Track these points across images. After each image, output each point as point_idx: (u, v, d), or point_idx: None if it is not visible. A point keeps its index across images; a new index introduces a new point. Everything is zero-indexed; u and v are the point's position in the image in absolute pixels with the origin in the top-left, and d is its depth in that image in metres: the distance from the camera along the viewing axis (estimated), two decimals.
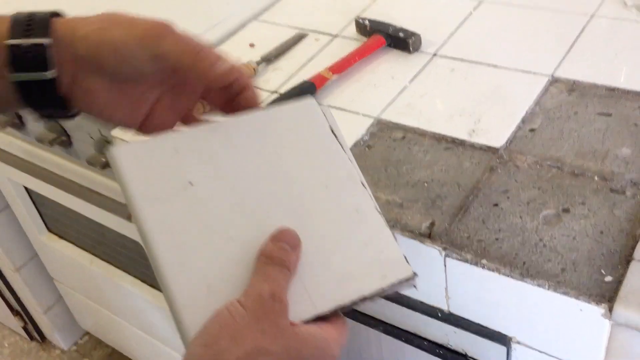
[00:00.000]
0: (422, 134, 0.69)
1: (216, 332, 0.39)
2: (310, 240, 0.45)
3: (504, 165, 0.64)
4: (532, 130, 0.67)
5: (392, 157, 0.67)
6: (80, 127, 0.91)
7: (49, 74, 0.45)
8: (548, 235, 0.56)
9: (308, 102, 0.52)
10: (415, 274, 0.47)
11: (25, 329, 1.61)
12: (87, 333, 1.64)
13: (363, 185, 0.50)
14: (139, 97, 0.48)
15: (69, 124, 0.94)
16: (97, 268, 1.23)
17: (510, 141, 0.66)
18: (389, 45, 0.83)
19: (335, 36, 0.88)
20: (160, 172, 0.45)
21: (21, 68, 0.44)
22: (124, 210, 0.91)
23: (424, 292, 0.62)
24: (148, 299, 1.15)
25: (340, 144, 0.51)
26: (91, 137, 0.90)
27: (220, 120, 0.50)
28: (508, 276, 0.54)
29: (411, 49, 0.81)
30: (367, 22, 0.85)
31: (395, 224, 0.59)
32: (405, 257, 0.47)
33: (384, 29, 0.83)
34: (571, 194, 0.59)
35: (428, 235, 0.58)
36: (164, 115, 0.50)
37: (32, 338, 1.65)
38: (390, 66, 0.80)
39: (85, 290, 1.39)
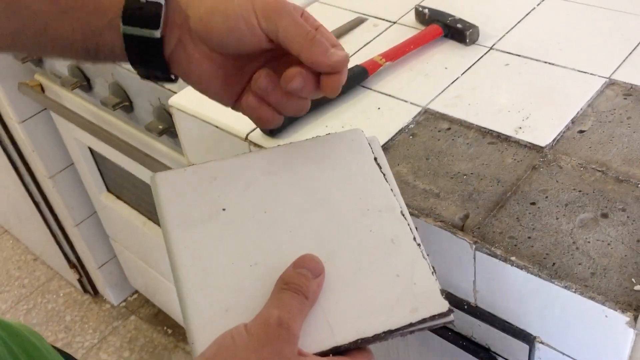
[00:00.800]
0: (468, 126, 0.69)
1: (214, 353, 0.38)
2: (338, 269, 0.43)
3: (547, 164, 0.63)
4: (581, 131, 0.66)
5: (434, 147, 0.68)
6: (141, 93, 0.95)
7: (157, 33, 0.45)
8: (582, 238, 0.55)
9: (354, 131, 0.52)
10: (451, 310, 0.43)
11: (80, 281, 1.70)
12: (137, 291, 1.72)
13: (403, 215, 0.48)
14: (237, 73, 0.49)
15: (131, 91, 0.98)
16: (149, 230, 1.29)
17: (557, 141, 0.65)
18: (446, 35, 0.83)
19: (394, 23, 0.89)
20: (195, 199, 0.47)
21: (133, 22, 0.45)
22: None
23: (453, 283, 0.63)
24: None
25: (384, 174, 0.50)
26: (151, 105, 0.95)
27: (265, 149, 0.50)
28: (536, 275, 0.54)
29: (468, 40, 0.81)
30: (426, 11, 0.85)
31: (429, 214, 0.60)
32: (442, 292, 0.44)
33: (442, 19, 0.83)
34: (612, 200, 0.58)
35: (460, 227, 0.58)
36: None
37: (85, 291, 1.74)
38: (444, 57, 0.80)
39: (137, 250, 1.46)
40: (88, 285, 1.70)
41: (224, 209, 0.46)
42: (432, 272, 0.45)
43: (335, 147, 0.51)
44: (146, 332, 1.63)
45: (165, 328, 1.63)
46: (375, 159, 0.50)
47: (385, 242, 0.46)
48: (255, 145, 0.73)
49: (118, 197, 1.36)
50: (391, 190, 0.49)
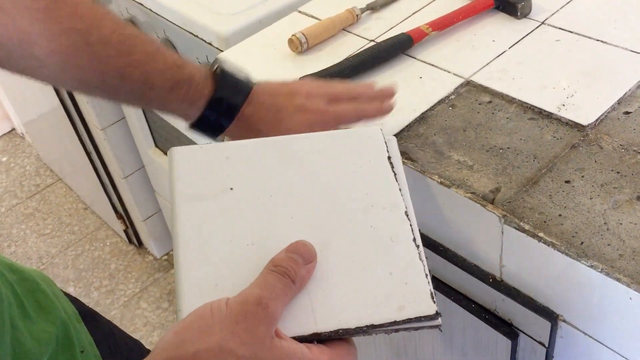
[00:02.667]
0: (509, 100, 0.68)
1: (189, 322, 0.38)
2: (332, 259, 0.44)
3: (588, 144, 0.62)
4: (626, 113, 0.64)
5: (473, 120, 0.67)
6: (189, 52, 0.97)
7: (225, 126, 0.60)
8: (615, 220, 0.54)
9: (372, 130, 0.52)
10: (438, 314, 0.42)
11: (125, 232, 1.77)
12: None
13: (407, 215, 0.48)
14: None
15: (179, 48, 1.00)
16: None
17: (600, 121, 0.64)
18: (497, 7, 0.81)
19: None
20: (206, 175, 0.48)
21: (199, 129, 0.60)
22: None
23: (479, 256, 0.63)
24: None
25: (395, 174, 0.50)
26: (199, 62, 0.96)
27: (282, 136, 0.51)
28: (563, 253, 0.53)
29: (519, 14, 0.79)
30: None
31: (461, 185, 0.60)
32: (432, 295, 0.43)
33: None
34: None
35: (491, 201, 0.58)
36: None
37: (130, 242, 1.81)
38: (493, 29, 0.79)
39: None
40: (133, 237, 1.77)
41: (231, 188, 0.48)
42: (426, 275, 0.44)
43: (351, 142, 0.52)
44: None
45: None
46: (389, 157, 0.51)
47: (384, 239, 0.46)
48: None
49: (165, 153, 1.40)
50: (399, 190, 0.49)
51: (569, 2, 0.80)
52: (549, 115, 0.66)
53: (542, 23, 0.78)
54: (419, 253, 0.45)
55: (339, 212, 0.47)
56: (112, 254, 1.82)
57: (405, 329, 0.42)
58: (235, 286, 0.41)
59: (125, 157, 1.51)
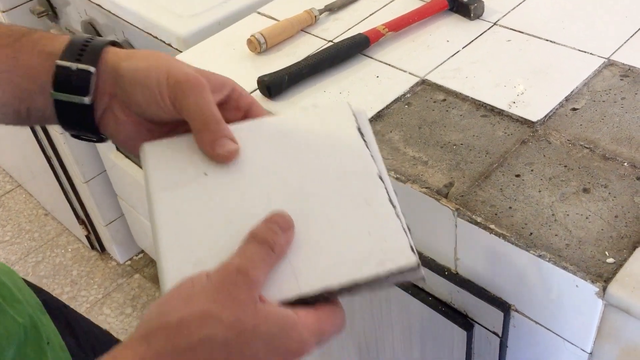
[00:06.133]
0: (463, 99, 0.70)
1: (171, 295, 0.39)
2: (310, 226, 0.45)
3: (537, 140, 0.64)
4: (574, 109, 0.67)
5: (428, 117, 0.69)
6: (150, 48, 0.97)
7: (87, 100, 0.48)
8: (562, 211, 0.56)
9: (340, 104, 0.53)
10: (419, 264, 0.43)
11: (87, 238, 1.74)
12: (142, 251, 1.75)
13: (380, 178, 0.49)
14: (159, 134, 0.51)
15: (137, 46, 1.00)
16: None
17: (549, 117, 0.66)
18: (451, 9, 0.83)
19: None
20: (179, 165, 0.48)
21: (63, 89, 0.47)
22: None
23: (435, 250, 0.64)
24: None
25: (365, 142, 0.51)
26: None
27: (251, 121, 0.52)
28: (513, 244, 0.55)
29: (472, 15, 0.81)
30: None
31: (416, 180, 0.61)
32: (412, 247, 0.44)
33: None
34: (596, 176, 0.59)
35: (445, 195, 0.60)
36: None
37: (92, 247, 1.78)
38: (447, 30, 0.81)
39: (144, 210, 1.49)
40: (95, 242, 1.74)
41: (205, 174, 0.48)
42: (405, 230, 0.46)
43: (320, 118, 0.53)
44: (149, 290, 1.67)
45: None
46: (359, 128, 0.52)
47: (360, 202, 0.47)
48: None
49: (127, 157, 1.39)
50: (371, 156, 0.50)
51: (519, 4, 0.83)
52: (500, 112, 0.68)
53: (494, 24, 0.80)
54: (396, 211, 0.46)
55: (314, 182, 0.48)
56: (74, 260, 1.79)
57: (389, 284, 0.43)
58: (216, 263, 0.42)
59: (86, 161, 1.49)
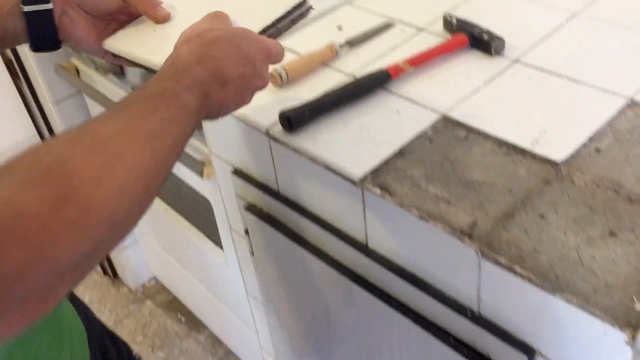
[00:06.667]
0: (485, 136, 0.70)
1: (194, 27, 0.61)
2: None
3: (560, 179, 0.63)
4: (597, 150, 0.66)
5: (450, 155, 0.68)
6: None
7: (50, 5, 0.64)
8: (588, 254, 0.56)
9: None
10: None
11: (100, 263, 1.74)
12: (154, 277, 1.75)
13: None
14: (105, 29, 0.70)
15: None
16: (170, 217, 1.32)
17: (573, 157, 0.66)
18: (472, 45, 0.83)
19: (422, 29, 0.89)
20: (134, 34, 0.71)
21: (31, 1, 0.64)
22: (198, 167, 0.97)
23: (457, 290, 0.63)
24: (213, 256, 1.22)
25: None
26: None
27: None
28: (539, 287, 0.54)
29: (493, 52, 0.81)
30: (454, 20, 0.85)
31: (439, 218, 0.61)
32: None
33: (469, 29, 0.83)
34: (621, 219, 0.58)
35: (468, 235, 0.59)
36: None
37: (105, 273, 1.78)
38: (468, 66, 0.81)
39: (158, 236, 1.49)
40: (108, 268, 1.74)
41: (154, 30, 0.72)
42: None
43: None
44: (160, 318, 1.66)
45: (178, 315, 1.66)
46: None
47: None
48: (275, 140, 0.74)
49: None
50: None
51: (539, 41, 0.83)
52: (522, 151, 0.67)
53: (515, 61, 0.81)
54: None
55: None
56: (86, 285, 1.79)
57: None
58: None
59: None
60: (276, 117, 0.75)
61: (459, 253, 0.60)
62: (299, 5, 0.72)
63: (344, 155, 0.69)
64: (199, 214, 1.20)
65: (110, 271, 1.75)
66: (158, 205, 1.35)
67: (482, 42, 0.82)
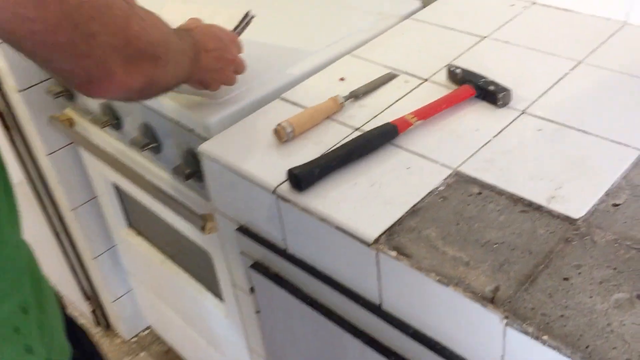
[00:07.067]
0: (499, 192, 0.69)
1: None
2: None
3: (581, 238, 0.62)
4: (615, 205, 0.65)
5: (465, 213, 0.67)
6: (170, 136, 0.96)
7: None
8: (618, 320, 0.54)
9: None
10: None
11: (93, 313, 1.70)
12: (149, 327, 1.70)
13: None
14: None
15: (160, 133, 0.99)
16: (167, 269, 1.29)
17: (591, 214, 0.64)
18: (478, 96, 0.83)
19: (425, 80, 0.89)
20: None
21: None
22: (200, 221, 0.94)
23: (479, 356, 0.61)
24: (211, 308, 1.19)
25: None
26: (179, 148, 0.95)
27: None
28: (569, 358, 0.52)
29: (500, 103, 0.80)
30: (458, 71, 0.85)
31: (459, 283, 0.59)
32: None
33: (475, 80, 0.83)
34: None
35: (491, 300, 0.57)
36: None
37: (98, 323, 1.73)
38: (476, 118, 0.80)
39: (154, 287, 1.45)
40: (102, 318, 1.69)
41: None
42: None
43: None
44: None
45: None
46: None
47: None
48: (283, 199, 0.72)
49: (139, 233, 1.36)
50: None
51: (546, 91, 0.83)
52: (539, 208, 0.66)
53: (523, 112, 0.80)
54: None
55: None
56: None
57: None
58: None
59: (95, 236, 1.47)
60: (283, 174, 0.73)
61: (481, 319, 0.57)
62: (244, 18, 0.94)
63: (355, 215, 0.68)
64: (199, 266, 1.17)
65: (104, 321, 1.70)
66: (154, 257, 1.31)
67: (488, 93, 0.81)
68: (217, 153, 0.80)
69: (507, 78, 0.84)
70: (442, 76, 0.88)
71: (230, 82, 0.87)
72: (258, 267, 0.82)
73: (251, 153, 0.79)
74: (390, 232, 0.65)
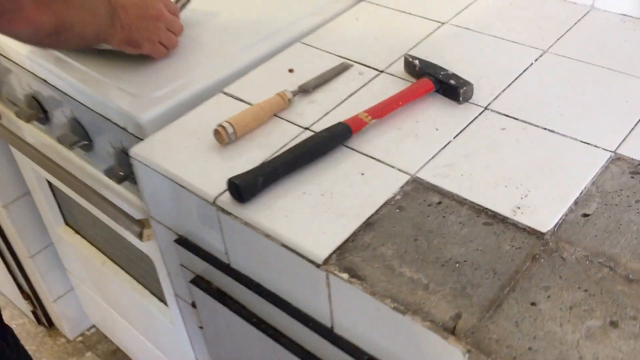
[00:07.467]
0: (460, 201, 0.63)
1: None
2: None
3: (549, 255, 0.56)
4: (585, 215, 0.60)
5: (424, 226, 0.60)
6: (101, 133, 0.87)
7: None
8: (590, 353, 0.48)
9: None
10: None
11: (34, 313, 1.59)
12: (94, 326, 1.61)
13: None
14: None
15: (91, 129, 0.89)
16: (108, 270, 1.20)
17: (559, 225, 0.59)
18: (438, 91, 0.76)
19: (381, 72, 0.82)
20: None
21: None
22: (137, 228, 0.86)
23: None
24: (156, 312, 1.11)
25: None
26: (112, 147, 0.86)
27: None
28: None
29: (461, 99, 0.74)
30: (417, 62, 0.78)
31: (417, 311, 0.53)
32: None
33: (434, 73, 0.76)
34: (622, 304, 0.52)
35: (452, 330, 0.51)
36: None
37: (39, 322, 1.63)
38: (435, 116, 0.73)
39: (96, 287, 1.36)
40: (43, 317, 1.59)
41: None
42: None
43: None
44: None
45: None
46: None
47: None
48: (223, 211, 0.65)
49: (76, 232, 1.26)
50: None
51: (509, 85, 0.77)
52: (504, 220, 0.60)
53: (485, 108, 0.74)
54: None
55: None
56: (20, 336, 1.62)
57: None
58: None
59: (31, 234, 1.36)
60: (224, 183, 0.65)
61: (441, 352, 0.52)
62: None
63: (303, 231, 0.61)
64: (141, 268, 1.09)
65: (45, 320, 1.60)
66: (94, 257, 1.22)
67: (448, 87, 0.75)
68: (150, 158, 0.72)
69: (468, 70, 0.78)
70: (400, 67, 0.81)
71: (166, 40, 0.84)
72: (199, 281, 0.75)
73: (189, 157, 0.71)
74: (342, 250, 0.59)
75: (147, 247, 0.96)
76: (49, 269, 1.43)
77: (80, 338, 1.61)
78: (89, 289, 1.40)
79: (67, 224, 1.28)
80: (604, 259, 0.55)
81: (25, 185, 1.28)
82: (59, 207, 1.25)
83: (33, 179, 1.22)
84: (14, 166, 1.26)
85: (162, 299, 1.07)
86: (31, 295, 1.53)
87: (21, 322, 1.66)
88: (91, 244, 1.23)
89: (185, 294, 0.84)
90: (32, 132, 1.05)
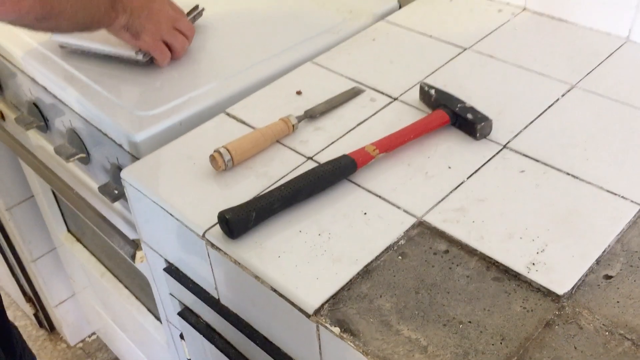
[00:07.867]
0: (470, 251, 0.57)
1: None
2: None
3: (564, 321, 0.51)
4: (607, 277, 0.54)
5: (427, 277, 0.55)
6: (98, 147, 0.83)
7: None
8: None
9: None
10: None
11: (36, 316, 1.57)
12: (95, 332, 1.58)
13: None
14: None
15: (88, 142, 0.86)
16: (107, 282, 1.16)
17: (578, 287, 0.53)
18: (453, 124, 0.71)
19: (395, 99, 0.76)
20: None
21: None
22: (130, 249, 0.82)
23: None
24: (151, 330, 1.07)
25: None
26: (108, 162, 0.82)
27: None
28: None
29: (478, 135, 0.69)
30: (432, 92, 0.73)
31: None
32: None
33: (451, 105, 0.71)
34: None
35: None
36: None
37: (41, 326, 1.61)
38: (449, 152, 0.68)
39: (97, 295, 1.33)
40: (44, 321, 1.57)
41: None
42: None
43: None
44: None
45: None
46: None
47: None
48: (213, 245, 0.60)
49: (78, 240, 1.23)
50: None
51: (531, 122, 0.71)
52: (516, 276, 0.55)
53: (504, 147, 0.68)
54: None
55: None
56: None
57: None
58: None
59: (34, 238, 1.34)
60: (216, 213, 0.61)
61: None
62: (193, 10, 0.89)
63: (296, 275, 0.56)
64: (138, 285, 1.05)
65: (47, 324, 1.58)
66: (94, 267, 1.19)
67: (465, 122, 0.69)
68: (141, 182, 0.67)
69: (488, 101, 0.72)
70: (415, 95, 0.76)
71: (170, 38, 0.79)
72: (187, 314, 0.70)
73: (182, 184, 0.66)
74: (335, 299, 0.54)
75: (142, 265, 0.92)
76: (52, 274, 1.41)
77: (80, 344, 1.58)
78: (90, 296, 1.37)
79: (69, 231, 1.25)
80: (626, 331, 0.50)
81: (29, 188, 1.26)
82: (62, 213, 1.22)
83: (36, 184, 1.19)
84: (18, 169, 1.23)
85: (158, 317, 1.04)
86: (33, 298, 1.51)
87: (23, 324, 1.64)
88: (92, 253, 1.20)
89: (176, 322, 0.80)
90: (33, 138, 1.02)
